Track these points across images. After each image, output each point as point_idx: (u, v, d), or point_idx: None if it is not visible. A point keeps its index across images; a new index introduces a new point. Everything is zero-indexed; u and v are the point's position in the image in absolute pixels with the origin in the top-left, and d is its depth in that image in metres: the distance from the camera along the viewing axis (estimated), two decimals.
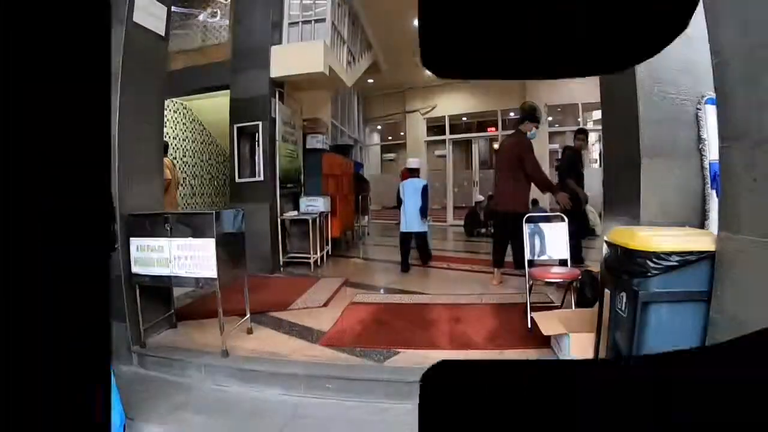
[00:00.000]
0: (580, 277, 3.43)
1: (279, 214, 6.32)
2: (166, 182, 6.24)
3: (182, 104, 8.28)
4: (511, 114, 14.37)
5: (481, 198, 10.74)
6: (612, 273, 2.52)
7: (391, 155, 21.44)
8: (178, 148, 8.11)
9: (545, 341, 3.17)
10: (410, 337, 3.55)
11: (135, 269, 3.51)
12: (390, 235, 11.13)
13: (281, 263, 6.37)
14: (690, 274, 2.20)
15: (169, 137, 7.88)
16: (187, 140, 8.42)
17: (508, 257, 5.26)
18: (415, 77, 12.90)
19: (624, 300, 2.43)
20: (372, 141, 18.19)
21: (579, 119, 13.76)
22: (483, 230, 10.05)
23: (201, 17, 7.31)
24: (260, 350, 3.44)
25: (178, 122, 8.17)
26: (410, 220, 6.12)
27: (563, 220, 3.84)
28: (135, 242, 3.52)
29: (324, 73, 6.09)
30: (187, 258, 3.38)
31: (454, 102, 13.23)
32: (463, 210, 12.79)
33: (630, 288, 2.29)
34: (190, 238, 3.35)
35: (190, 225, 3.37)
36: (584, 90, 10.97)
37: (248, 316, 3.84)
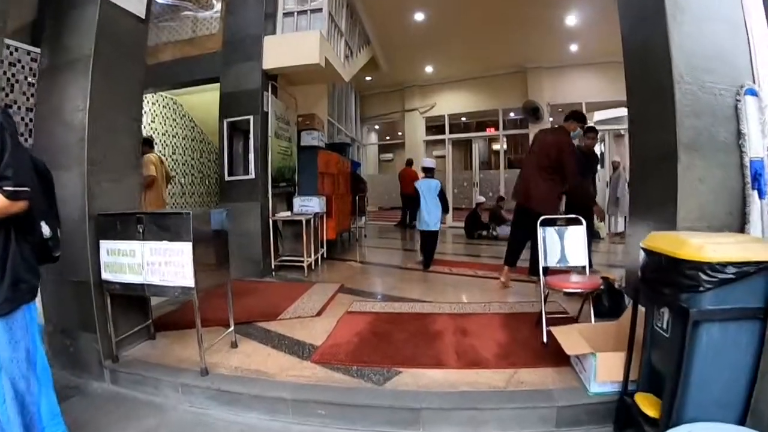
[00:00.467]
0: (602, 287, 3.07)
1: (271, 214, 5.94)
2: (150, 179, 5.92)
3: (172, 99, 7.92)
4: (512, 114, 14.12)
5: (482, 199, 10.41)
6: (650, 286, 2.17)
7: (389, 155, 21.17)
8: (167, 145, 7.76)
9: (564, 358, 2.81)
10: (413, 353, 3.18)
11: (105, 275, 3.15)
12: (388, 237, 10.81)
13: (273, 267, 5.99)
14: (746, 288, 1.86)
15: (159, 133, 7.53)
16: (177, 136, 8.07)
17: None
18: (414, 75, 12.57)
19: (666, 317, 2.08)
20: (370, 140, 17.87)
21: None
22: (484, 233, 9.72)
23: (193, 12, 6.93)
24: (244, 368, 3.07)
25: (167, 117, 7.81)
26: (427, 219, 6.18)
27: (581, 223, 3.48)
28: (105, 245, 3.16)
29: (320, 65, 5.72)
30: (161, 264, 3.00)
31: (454, 101, 12.89)
32: (462, 211, 12.48)
33: (676, 304, 1.94)
34: (165, 242, 2.97)
35: (165, 227, 2.99)
36: (588, 89, 10.70)
37: (232, 328, 3.47)
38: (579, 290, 3.15)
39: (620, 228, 10.08)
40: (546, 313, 3.26)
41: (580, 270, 3.51)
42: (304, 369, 3.02)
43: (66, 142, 3.21)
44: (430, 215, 6.18)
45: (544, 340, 3.16)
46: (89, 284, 3.14)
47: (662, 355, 2.15)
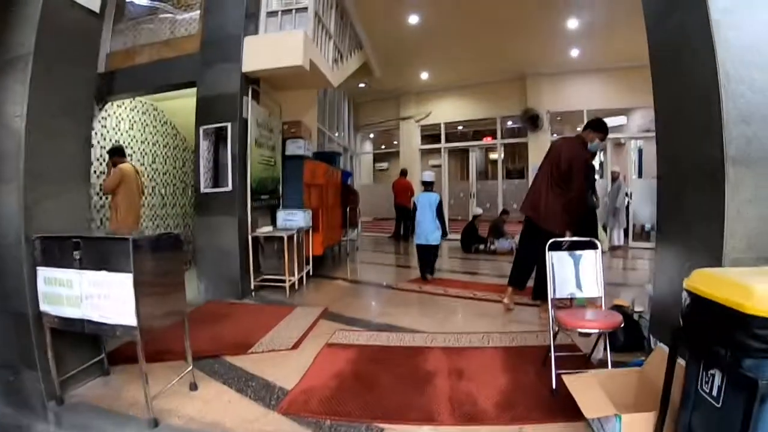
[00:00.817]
0: (622, 325, 2.59)
1: (250, 230, 5.45)
2: (114, 188, 5.46)
3: (152, 105, 7.44)
4: (509, 123, 13.71)
5: (479, 211, 9.93)
6: (696, 338, 1.70)
7: (384, 164, 20.73)
8: (147, 153, 7.27)
9: (578, 410, 2.33)
10: (399, 402, 2.68)
11: (43, 307, 2.69)
12: (381, 251, 10.32)
13: (253, 287, 5.50)
14: None
15: (138, 141, 7.05)
16: (158, 144, 7.57)
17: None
18: (409, 81, 12.14)
19: (718, 382, 1.60)
20: (364, 149, 17.44)
21: (579, 127, 13.08)
22: (482, 247, 9.24)
23: (171, 15, 6.50)
24: (201, 419, 2.58)
25: (147, 124, 7.31)
26: (425, 233, 6.17)
27: (595, 247, 3.00)
28: (42, 273, 2.70)
29: (303, 67, 5.25)
30: (101, 297, 2.53)
31: (450, 108, 12.45)
32: (459, 223, 12.03)
33: (736, 370, 1.47)
34: (104, 272, 2.50)
35: (104, 254, 2.52)
36: (590, 96, 10.30)
37: (190, 368, 2.97)
38: (595, 330, 2.64)
39: (618, 242, 9.66)
40: (555, 349, 2.79)
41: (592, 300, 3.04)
42: (267, 423, 2.52)
43: (5, 151, 2.78)
44: (428, 230, 6.12)
45: (554, 386, 2.68)
46: (27, 317, 2.70)
47: (709, 427, 1.69)
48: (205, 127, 5.45)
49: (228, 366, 3.35)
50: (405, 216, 11.50)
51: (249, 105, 5.43)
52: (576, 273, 2.94)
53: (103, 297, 2.52)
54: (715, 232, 2.03)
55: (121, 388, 2.97)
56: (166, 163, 7.75)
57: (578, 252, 2.99)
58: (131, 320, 2.44)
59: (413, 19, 8.11)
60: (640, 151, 11.38)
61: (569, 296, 3.03)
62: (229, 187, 5.29)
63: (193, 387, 2.97)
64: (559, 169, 4.23)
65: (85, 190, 3.34)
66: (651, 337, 2.66)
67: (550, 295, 2.90)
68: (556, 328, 2.76)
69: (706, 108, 2.06)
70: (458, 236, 9.90)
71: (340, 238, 8.60)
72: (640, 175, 11.58)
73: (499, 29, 8.45)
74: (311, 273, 6.50)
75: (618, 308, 3.61)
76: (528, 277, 4.63)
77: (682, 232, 2.40)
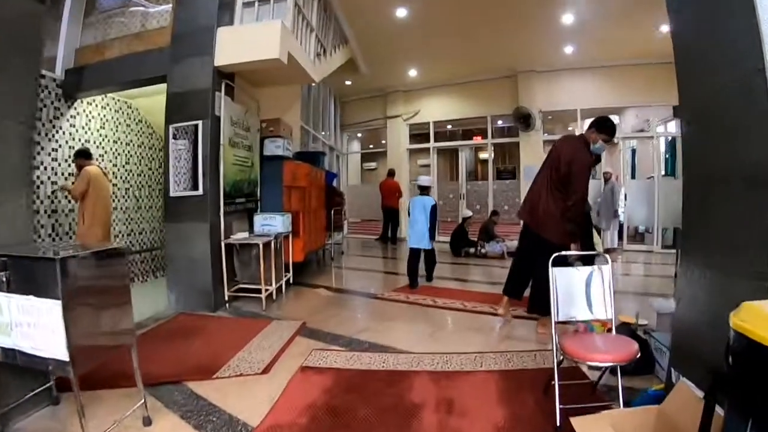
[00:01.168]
0: (638, 356, 2.24)
1: (223, 236, 5.05)
2: (83, 193, 5.11)
3: (126, 102, 6.99)
4: (500, 122, 13.40)
5: (469, 213, 9.60)
6: (747, 388, 1.36)
7: (373, 164, 20.35)
8: (120, 153, 6.82)
9: None
10: None
11: None
12: (367, 254, 9.95)
13: (227, 297, 5.10)
14: None
15: (110, 140, 6.61)
16: (131, 144, 7.12)
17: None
18: (397, 79, 11.76)
19: None
20: (352, 149, 17.05)
21: (572, 127, 12.86)
22: (472, 250, 8.91)
23: (143, 8, 6.07)
24: None
25: (120, 123, 6.87)
26: (418, 238, 6.10)
27: (605, 262, 2.64)
28: None
29: (280, 60, 4.85)
30: (30, 326, 2.14)
31: (440, 107, 12.08)
32: (449, 224, 11.71)
33: None
34: (32, 297, 2.11)
35: (30, 275, 2.13)
36: (584, 94, 10.01)
37: (143, 401, 2.59)
38: (608, 364, 2.26)
39: (612, 244, 9.39)
40: (558, 374, 2.44)
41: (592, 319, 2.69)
42: None
43: None
44: (421, 233, 6.05)
45: (558, 423, 2.33)
46: None
47: None
48: (175, 125, 5.04)
49: (189, 394, 2.96)
50: (392, 218, 11.16)
51: (222, 102, 5.03)
52: (587, 293, 2.59)
53: (32, 326, 2.13)
54: (761, 253, 1.68)
55: (67, 421, 2.60)
56: (140, 164, 7.32)
57: (587, 268, 2.64)
58: (62, 354, 2.05)
59: (401, 13, 7.71)
60: (633, 152, 11.13)
61: (575, 319, 2.67)
62: (200, 191, 4.88)
63: (147, 421, 2.58)
64: (559, 172, 3.85)
65: (27, 197, 2.93)
66: (672, 371, 2.31)
67: (553, 319, 2.54)
68: (561, 357, 2.41)
69: (747, 105, 1.71)
70: (447, 238, 9.59)
71: (324, 242, 8.20)
72: (633, 175, 11.35)
73: (492, 24, 8.09)
74: (291, 281, 6.10)
75: (624, 326, 3.29)
76: (525, 287, 4.29)
77: (714, 250, 2.03)
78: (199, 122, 4.89)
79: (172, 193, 5.02)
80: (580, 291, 2.59)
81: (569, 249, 3.71)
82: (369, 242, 12.01)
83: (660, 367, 3.02)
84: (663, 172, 9.87)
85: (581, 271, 2.63)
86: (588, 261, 4.70)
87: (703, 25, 2.05)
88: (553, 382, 2.46)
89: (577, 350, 2.23)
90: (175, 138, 5.02)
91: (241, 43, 4.97)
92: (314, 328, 4.28)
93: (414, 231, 6.13)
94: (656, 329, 3.48)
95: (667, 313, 3.46)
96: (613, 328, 2.59)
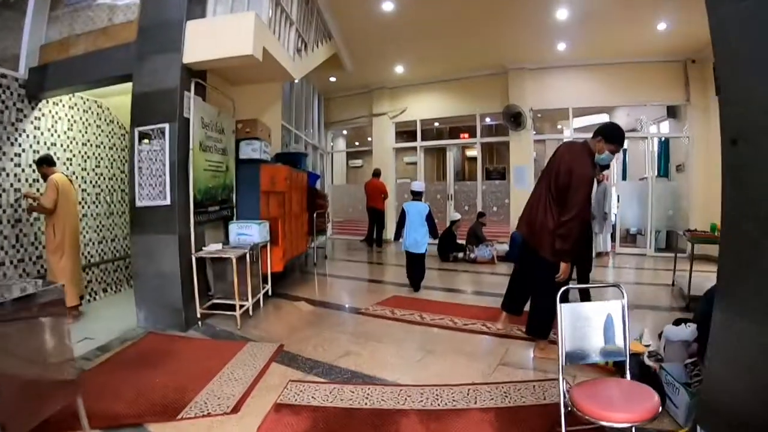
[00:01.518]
0: (660, 410, 1.92)
1: (194, 249, 4.66)
2: (51, 204, 4.81)
3: (96, 102, 6.52)
4: (488, 119, 13.09)
5: (457, 216, 9.27)
6: None
7: (359, 161, 19.98)
8: (90, 156, 6.36)
9: None
10: None
11: None
12: (351, 259, 9.60)
13: (199, 315, 4.71)
14: None
15: (78, 143, 6.14)
16: (102, 146, 6.65)
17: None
18: (383, 76, 11.38)
19: None
20: (337, 146, 16.66)
21: (561, 125, 12.62)
22: (460, 255, 8.60)
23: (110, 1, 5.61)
24: None
25: (90, 124, 6.39)
26: (415, 243, 6.14)
27: (621, 296, 2.29)
28: None
29: (254, 56, 4.45)
30: None
31: (427, 104, 11.73)
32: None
33: None
34: None
35: None
36: (577, 93, 9.74)
37: None
38: (625, 425, 1.90)
39: (604, 247, 9.17)
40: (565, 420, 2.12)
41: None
42: None
43: None
44: (417, 236, 6.12)
45: None
46: None
47: None
48: (141, 128, 4.62)
49: None
50: (378, 219, 10.81)
51: (192, 102, 4.61)
52: (606, 331, 2.25)
53: None
54: None
55: None
56: (112, 167, 6.85)
57: (605, 303, 2.30)
58: None
59: (387, 6, 7.32)
60: (624, 152, 10.89)
61: (584, 362, 2.33)
62: (167, 201, 4.47)
63: None
64: (557, 182, 3.47)
65: None
66: (698, 428, 1.99)
67: (561, 361, 2.20)
68: (569, 407, 2.08)
69: None
70: (435, 242, 9.26)
71: (306, 247, 7.81)
72: (624, 177, 11.12)
73: (482, 19, 7.74)
74: (270, 292, 5.72)
75: (633, 358, 2.98)
76: (524, 303, 3.96)
77: (760, 307, 1.69)
78: (166, 125, 4.47)
79: (137, 204, 4.61)
80: (597, 330, 2.26)
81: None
82: (354, 243, 11.65)
83: (672, 404, 2.72)
84: (656, 173, 9.65)
85: (591, 309, 2.29)
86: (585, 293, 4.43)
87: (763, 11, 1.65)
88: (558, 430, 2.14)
89: (590, 408, 1.89)
90: (140, 142, 4.61)
91: (211, 37, 4.56)
92: (292, 353, 3.91)
93: (410, 234, 6.16)
94: (665, 358, 3.19)
95: (677, 341, 3.17)
96: (628, 373, 2.26)
